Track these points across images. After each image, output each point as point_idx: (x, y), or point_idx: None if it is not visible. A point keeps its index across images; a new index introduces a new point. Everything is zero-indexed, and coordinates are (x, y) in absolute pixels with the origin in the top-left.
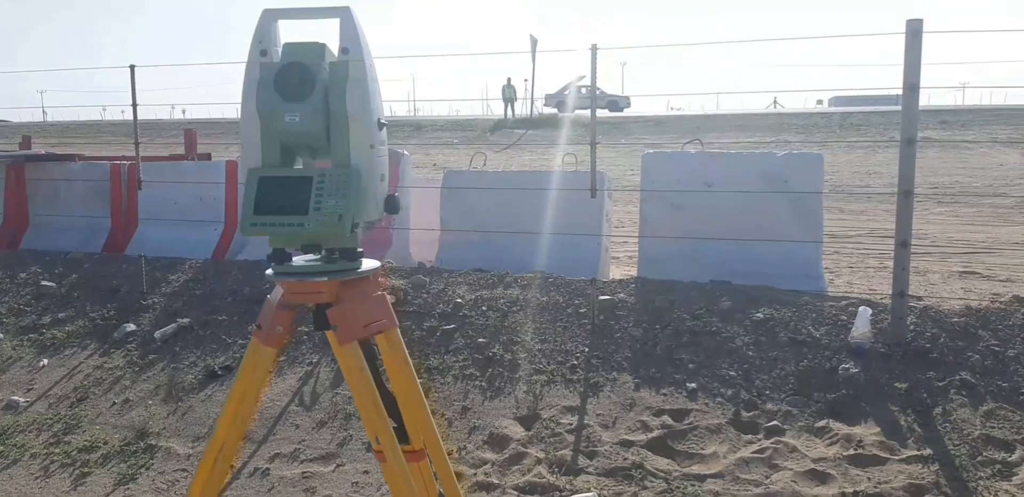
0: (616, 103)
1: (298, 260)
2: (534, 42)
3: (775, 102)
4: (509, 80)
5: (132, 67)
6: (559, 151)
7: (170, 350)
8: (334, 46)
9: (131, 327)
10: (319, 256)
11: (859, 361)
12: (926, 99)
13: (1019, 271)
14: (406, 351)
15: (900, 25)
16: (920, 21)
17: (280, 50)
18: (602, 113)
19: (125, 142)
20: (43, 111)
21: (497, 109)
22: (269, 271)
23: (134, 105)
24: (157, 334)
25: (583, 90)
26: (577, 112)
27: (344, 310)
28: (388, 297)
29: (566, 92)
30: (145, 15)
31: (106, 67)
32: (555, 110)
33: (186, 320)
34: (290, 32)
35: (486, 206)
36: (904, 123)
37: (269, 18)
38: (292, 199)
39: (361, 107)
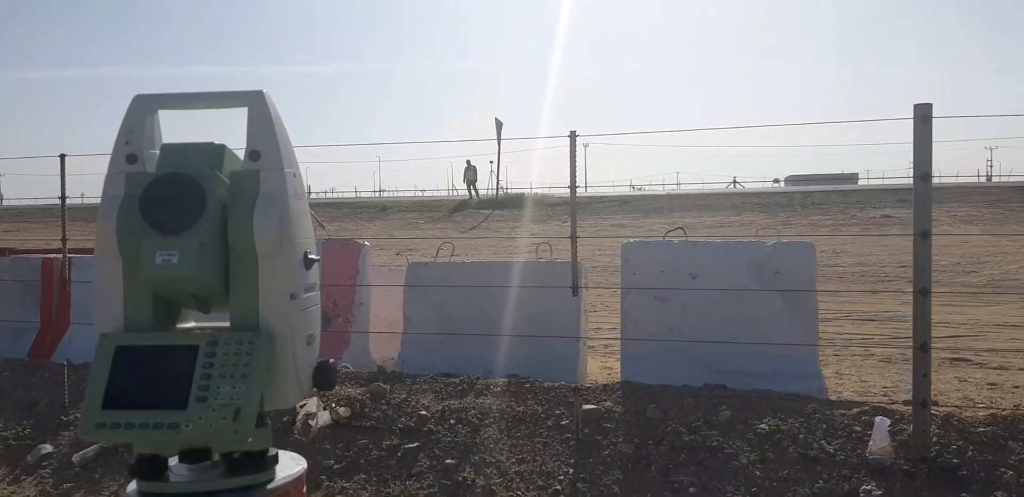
0: None
1: (177, 469)
2: (499, 125)
3: (735, 181)
4: (469, 162)
5: (62, 156)
6: (524, 231)
7: (89, 477)
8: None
9: (47, 448)
10: (208, 464)
11: (881, 481)
12: (881, 176)
13: (1010, 357)
14: None
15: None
16: (929, 106)
17: (158, 155)
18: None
19: (81, 228)
20: (0, 195)
21: (463, 190)
22: (131, 487)
23: (63, 197)
24: (76, 457)
25: None
26: (539, 191)
27: None
28: (343, 410)
29: None
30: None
31: (37, 156)
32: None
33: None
34: (185, 129)
35: (454, 301)
36: (917, 215)
37: (142, 108)
38: (163, 383)
39: (277, 238)
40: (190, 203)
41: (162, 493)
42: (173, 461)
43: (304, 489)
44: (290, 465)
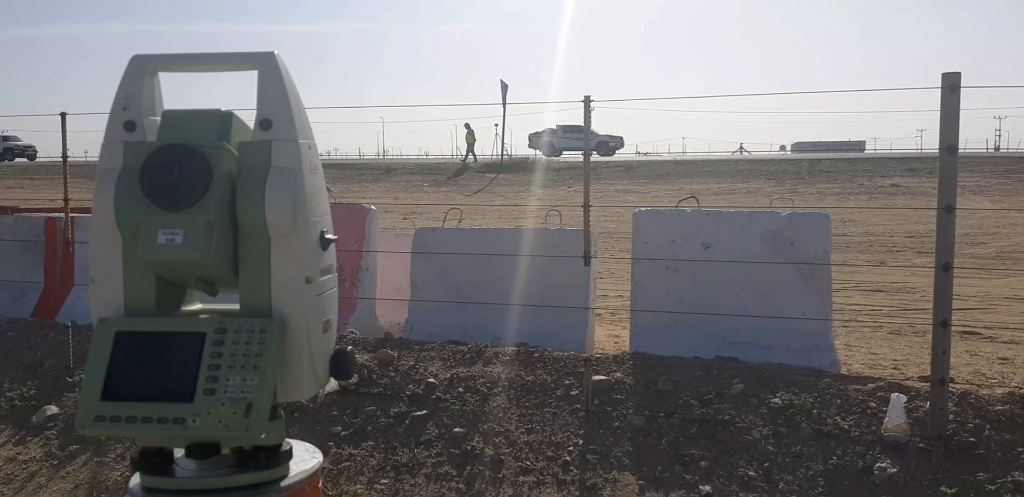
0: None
1: (183, 463)
2: (505, 87)
3: (741, 148)
4: (467, 125)
5: (63, 115)
6: (530, 195)
7: (95, 438)
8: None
9: (53, 409)
10: (216, 459)
11: (896, 458)
12: (888, 145)
13: (1021, 331)
14: None
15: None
16: (958, 75)
17: (159, 122)
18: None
19: (86, 186)
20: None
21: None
22: (135, 481)
23: (64, 157)
24: None
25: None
26: (547, 157)
27: None
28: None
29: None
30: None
31: (37, 115)
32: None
33: None
34: (190, 94)
35: (462, 268)
36: (941, 188)
37: (141, 69)
38: (167, 374)
39: (291, 216)
40: (195, 177)
41: (167, 489)
42: (180, 452)
43: (320, 484)
44: (305, 458)
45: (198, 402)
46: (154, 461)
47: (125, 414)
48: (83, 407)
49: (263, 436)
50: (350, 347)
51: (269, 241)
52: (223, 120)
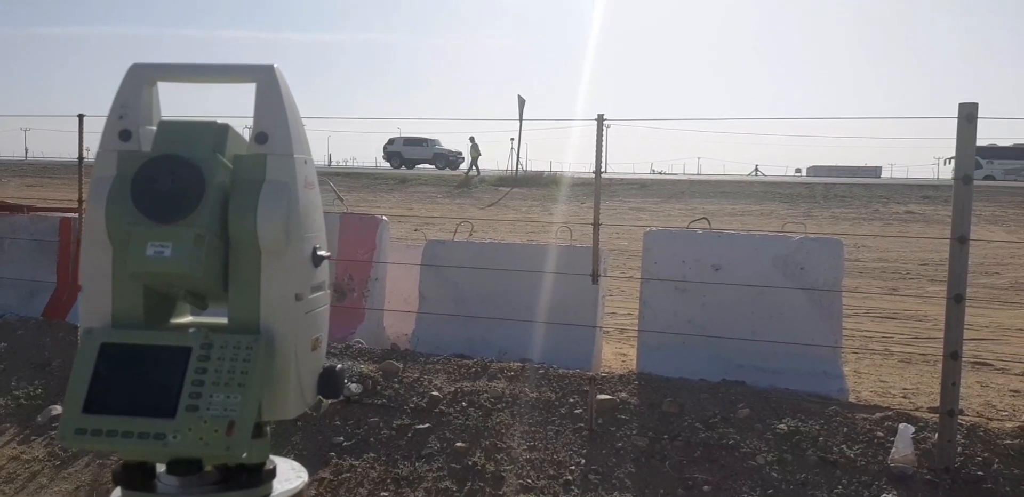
0: None
1: (166, 478)
2: (522, 102)
3: (756, 169)
4: (472, 139)
5: (80, 116)
6: (542, 210)
7: None
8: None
9: (57, 409)
10: (199, 476)
11: (902, 490)
12: (904, 173)
13: None
14: None
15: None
16: (975, 105)
17: (154, 131)
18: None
19: None
20: (25, 149)
21: (483, 165)
22: (115, 495)
23: (80, 158)
24: None
25: None
26: (558, 170)
27: None
28: (355, 386)
29: None
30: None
31: (56, 115)
32: None
33: None
34: (193, 103)
35: (471, 281)
36: (956, 218)
37: (139, 78)
38: (150, 388)
39: (283, 231)
40: (187, 189)
41: None
42: (163, 467)
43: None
44: (290, 477)
45: (180, 418)
46: (135, 476)
47: (106, 428)
48: (65, 419)
49: (245, 455)
50: (340, 365)
51: (260, 257)
52: (219, 132)
